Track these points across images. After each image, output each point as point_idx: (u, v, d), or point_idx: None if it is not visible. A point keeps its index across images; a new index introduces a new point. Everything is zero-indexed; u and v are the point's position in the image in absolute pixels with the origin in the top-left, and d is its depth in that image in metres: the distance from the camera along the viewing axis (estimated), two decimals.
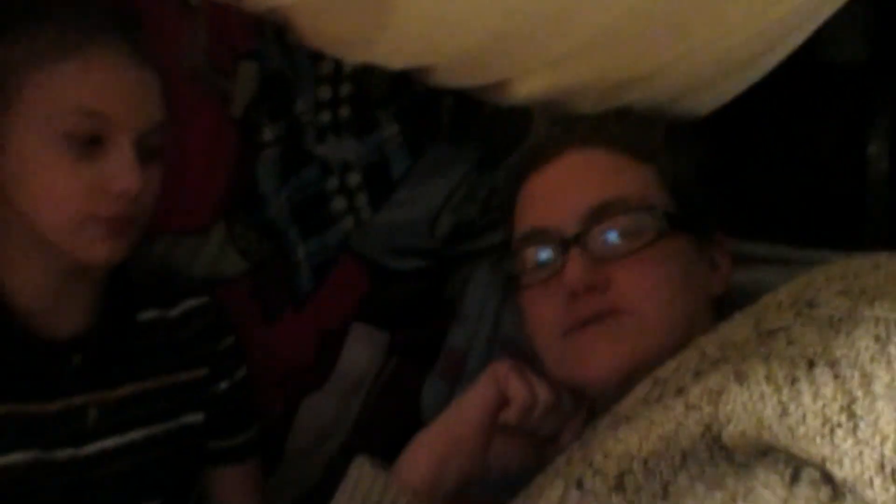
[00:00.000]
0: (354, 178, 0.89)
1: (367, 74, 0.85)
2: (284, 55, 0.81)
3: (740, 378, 0.49)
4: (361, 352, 0.91)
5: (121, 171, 0.66)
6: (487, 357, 0.89)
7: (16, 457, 0.69)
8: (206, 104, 0.80)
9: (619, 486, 0.49)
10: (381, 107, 0.88)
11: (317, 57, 0.82)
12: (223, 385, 0.81)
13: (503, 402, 0.63)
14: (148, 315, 0.78)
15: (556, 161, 0.70)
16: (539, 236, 0.68)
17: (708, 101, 0.83)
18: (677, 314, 0.63)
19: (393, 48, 0.73)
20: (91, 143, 0.66)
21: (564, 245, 0.65)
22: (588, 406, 0.66)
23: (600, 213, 0.65)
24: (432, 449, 0.63)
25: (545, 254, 0.67)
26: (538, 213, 0.69)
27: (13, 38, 0.66)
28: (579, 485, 0.50)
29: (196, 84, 0.78)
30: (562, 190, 0.68)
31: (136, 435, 0.75)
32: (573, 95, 0.78)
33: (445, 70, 0.79)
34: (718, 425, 0.49)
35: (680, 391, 0.51)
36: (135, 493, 0.76)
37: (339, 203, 0.89)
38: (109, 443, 0.74)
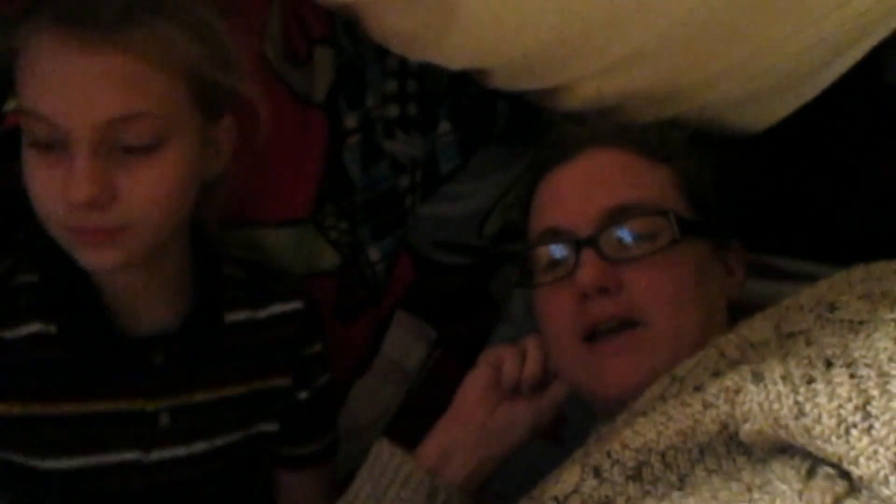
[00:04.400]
0: (419, 176, 0.89)
1: (429, 71, 0.85)
2: (355, 46, 0.82)
3: (757, 377, 0.50)
4: (405, 339, 0.92)
5: (70, 179, 0.59)
6: None
7: (85, 459, 0.68)
8: (284, 94, 0.79)
9: (637, 476, 0.51)
10: (439, 104, 0.89)
11: (384, 52, 0.82)
12: (303, 394, 0.78)
13: (498, 377, 0.71)
14: (237, 316, 0.73)
15: (573, 161, 0.72)
16: (553, 236, 0.70)
17: (763, 116, 0.83)
18: (690, 321, 0.64)
19: (454, 49, 0.75)
20: (55, 148, 0.60)
21: (578, 246, 0.66)
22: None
23: (615, 216, 0.66)
24: (441, 430, 0.70)
25: (559, 254, 0.69)
26: (553, 213, 0.71)
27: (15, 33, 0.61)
28: (597, 473, 0.52)
29: (270, 74, 0.78)
30: (577, 191, 0.70)
31: (206, 445, 0.72)
32: (627, 103, 0.79)
33: (504, 73, 0.80)
34: (735, 424, 0.50)
35: (698, 388, 0.52)
36: (198, 499, 0.74)
37: (408, 201, 0.89)
38: (178, 451, 0.71)
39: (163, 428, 0.70)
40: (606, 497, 0.51)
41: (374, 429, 0.92)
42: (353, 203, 0.84)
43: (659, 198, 0.68)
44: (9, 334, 0.67)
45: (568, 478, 0.53)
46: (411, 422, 0.90)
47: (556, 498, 0.53)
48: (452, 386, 0.86)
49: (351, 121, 0.83)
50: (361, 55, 0.84)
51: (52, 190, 0.60)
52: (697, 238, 0.67)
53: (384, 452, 0.68)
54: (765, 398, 0.49)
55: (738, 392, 0.50)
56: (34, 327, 0.67)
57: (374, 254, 0.88)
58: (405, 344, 0.93)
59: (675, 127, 0.77)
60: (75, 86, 0.59)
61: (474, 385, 0.71)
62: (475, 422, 0.70)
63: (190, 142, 0.64)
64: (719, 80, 0.78)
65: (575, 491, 0.52)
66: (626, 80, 0.78)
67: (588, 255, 0.65)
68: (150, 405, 0.70)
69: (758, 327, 0.57)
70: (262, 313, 0.75)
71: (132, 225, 0.62)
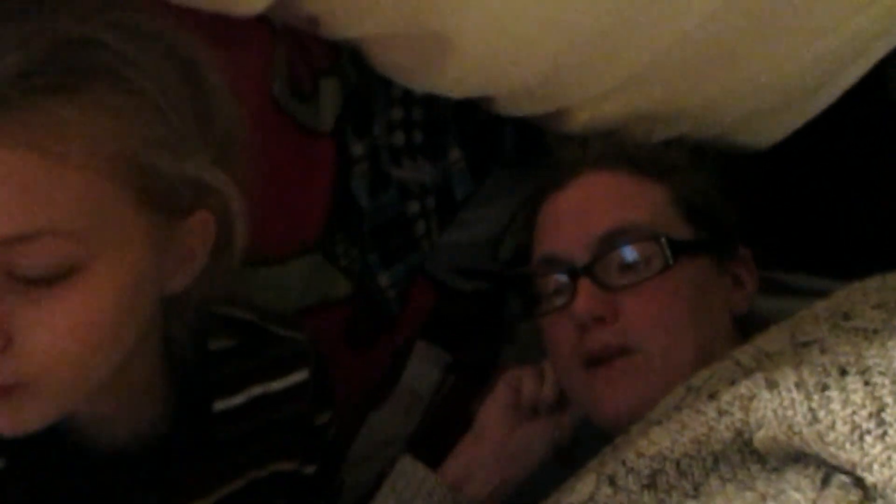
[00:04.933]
0: (431, 202, 0.90)
1: (435, 99, 0.86)
2: (361, 75, 0.84)
3: (771, 384, 0.50)
4: (424, 369, 0.93)
5: None
6: None
7: None
8: (291, 130, 0.79)
9: (651, 485, 0.51)
10: (446, 131, 0.90)
11: (389, 80, 0.84)
12: (310, 469, 0.69)
13: (517, 398, 0.71)
14: (230, 402, 0.61)
15: (569, 185, 0.73)
16: (552, 264, 0.71)
17: (767, 133, 0.84)
18: (685, 344, 0.64)
19: (454, 80, 0.77)
20: None
21: (574, 274, 0.67)
22: None
23: (608, 243, 0.67)
24: (462, 449, 0.71)
25: (559, 281, 0.70)
26: (549, 241, 0.72)
27: None
28: (612, 482, 0.52)
29: (277, 112, 0.78)
30: (571, 218, 0.71)
31: None
32: (629, 125, 0.81)
33: (506, 99, 0.82)
34: (749, 431, 0.50)
35: (712, 396, 0.52)
36: None
37: (420, 227, 0.90)
38: None
39: None
40: None
41: (383, 454, 0.92)
42: (361, 230, 0.85)
43: (652, 219, 0.68)
44: None
45: (583, 487, 0.54)
46: (425, 448, 0.91)
47: None
48: (466, 411, 0.87)
49: (358, 148, 0.84)
50: (367, 84, 0.85)
51: None
52: (695, 257, 0.68)
53: (408, 467, 0.69)
54: (779, 405, 0.49)
55: (752, 399, 0.51)
56: None
57: (384, 280, 0.88)
58: (425, 374, 0.94)
59: (672, 143, 0.78)
60: None
61: (495, 405, 0.73)
62: (496, 441, 0.71)
63: (130, 258, 0.47)
64: (720, 101, 0.79)
65: (590, 499, 0.52)
66: (627, 102, 0.79)
67: (584, 284, 0.66)
68: None
69: (773, 338, 0.57)
70: (260, 391, 0.63)
71: (37, 380, 0.45)
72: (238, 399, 0.61)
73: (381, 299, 0.88)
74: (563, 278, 0.69)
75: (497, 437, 0.71)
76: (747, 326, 0.67)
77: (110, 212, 0.46)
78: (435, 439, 0.78)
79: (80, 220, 0.45)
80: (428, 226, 0.91)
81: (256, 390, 0.62)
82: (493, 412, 0.72)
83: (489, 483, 0.70)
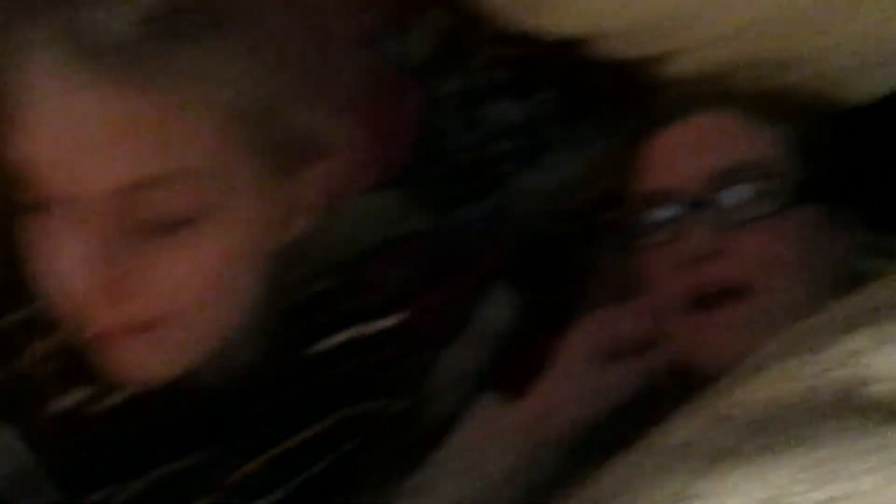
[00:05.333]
0: (518, 143, 0.90)
1: (529, 38, 0.85)
2: (455, 12, 0.83)
3: (882, 339, 0.49)
4: (498, 308, 0.93)
5: (67, 265, 0.46)
6: None
7: None
8: (378, 63, 0.81)
9: (754, 433, 0.51)
10: (540, 72, 0.90)
11: (487, 16, 0.82)
12: (396, 407, 0.70)
13: (603, 338, 0.70)
14: (327, 343, 0.63)
15: (679, 123, 0.70)
16: (661, 197, 0.69)
17: (880, 83, 0.81)
18: (801, 288, 0.63)
19: (559, 17, 0.76)
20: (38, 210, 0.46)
21: (689, 208, 0.65)
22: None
23: (727, 177, 0.65)
24: (542, 388, 0.71)
25: (666, 216, 0.68)
26: (662, 175, 0.70)
27: None
28: (709, 428, 0.52)
29: (367, 44, 0.79)
30: (687, 151, 0.69)
31: (283, 492, 0.61)
32: (734, 72, 0.78)
33: (608, 41, 0.81)
34: (857, 384, 0.50)
35: (816, 349, 0.52)
36: None
37: (505, 167, 0.90)
38: None
39: (234, 488, 0.59)
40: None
41: (453, 392, 0.91)
42: (445, 167, 0.85)
43: (772, 159, 0.66)
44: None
45: (676, 432, 0.54)
46: (499, 386, 0.91)
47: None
48: (541, 352, 0.87)
49: (449, 85, 0.84)
50: (461, 21, 0.84)
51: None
52: (811, 203, 0.66)
53: (487, 402, 0.69)
54: (891, 360, 0.49)
55: (861, 354, 0.50)
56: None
57: (464, 217, 0.89)
58: (497, 315, 0.93)
59: (786, 90, 0.75)
60: (88, 129, 0.44)
61: (579, 343, 0.72)
62: (577, 380, 0.70)
63: (251, 206, 0.49)
64: (832, 51, 0.76)
65: (687, 443, 0.52)
66: (735, 49, 0.77)
67: (699, 217, 0.64)
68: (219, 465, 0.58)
69: (875, 293, 0.56)
70: (356, 333, 0.65)
71: (168, 322, 0.48)
72: (334, 340, 0.64)
73: (459, 237, 0.89)
74: (669, 213, 0.67)
75: (579, 374, 0.70)
76: (846, 284, 0.66)
77: (234, 160, 0.48)
78: (508, 379, 0.78)
79: (207, 167, 0.47)
80: (513, 166, 0.91)
81: (352, 332, 0.65)
82: (576, 351, 0.71)
83: (567, 422, 0.69)
